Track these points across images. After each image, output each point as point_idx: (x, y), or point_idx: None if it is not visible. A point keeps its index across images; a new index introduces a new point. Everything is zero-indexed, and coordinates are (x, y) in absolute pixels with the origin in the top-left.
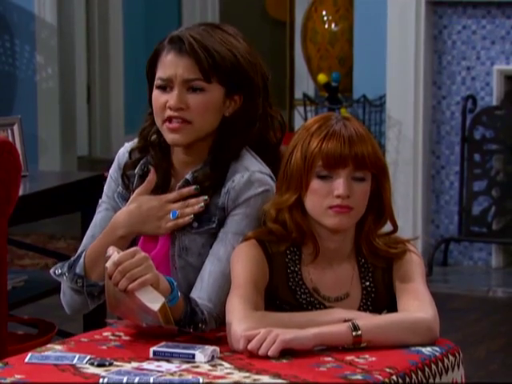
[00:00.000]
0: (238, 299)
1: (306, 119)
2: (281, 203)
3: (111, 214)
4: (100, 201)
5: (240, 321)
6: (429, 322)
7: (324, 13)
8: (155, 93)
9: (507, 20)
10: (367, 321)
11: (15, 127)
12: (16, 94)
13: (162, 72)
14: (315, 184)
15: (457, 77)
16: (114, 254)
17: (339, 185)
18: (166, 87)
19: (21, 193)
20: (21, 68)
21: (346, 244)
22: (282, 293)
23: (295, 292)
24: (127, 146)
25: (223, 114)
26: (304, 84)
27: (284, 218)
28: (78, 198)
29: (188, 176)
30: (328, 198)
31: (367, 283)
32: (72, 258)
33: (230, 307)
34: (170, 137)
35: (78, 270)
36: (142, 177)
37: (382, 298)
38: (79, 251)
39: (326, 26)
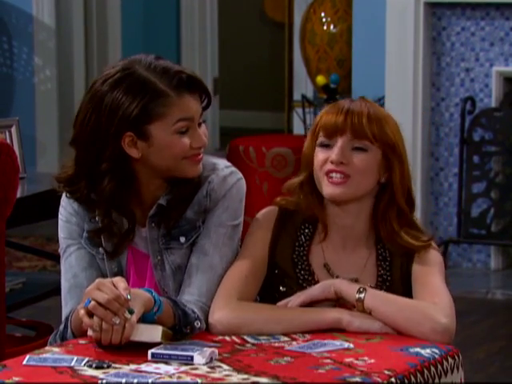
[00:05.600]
0: (228, 282)
1: (304, 121)
2: (294, 181)
3: (84, 251)
4: (63, 246)
5: (219, 307)
6: (444, 326)
7: (323, 14)
8: (177, 138)
9: (506, 21)
10: (378, 292)
11: (13, 129)
12: (14, 96)
13: (182, 114)
14: (317, 153)
15: (456, 78)
16: (89, 321)
17: (333, 150)
18: (186, 130)
19: (19, 195)
20: (19, 70)
21: (360, 223)
22: (283, 263)
23: (296, 265)
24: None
25: None
26: (303, 86)
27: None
28: None
29: (161, 201)
30: (326, 165)
31: (383, 271)
32: (60, 327)
33: (220, 287)
34: (195, 169)
35: (70, 339)
36: (102, 230)
37: (396, 288)
38: (64, 307)
39: (325, 27)
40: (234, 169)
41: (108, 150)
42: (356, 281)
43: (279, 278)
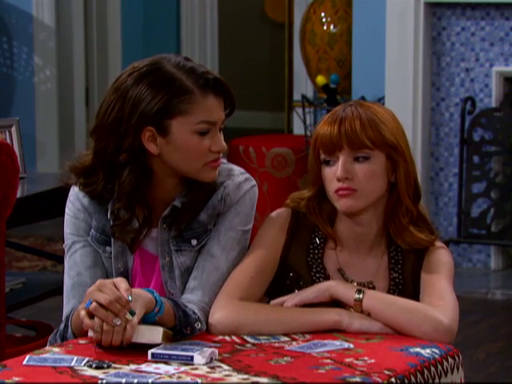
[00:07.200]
0: (232, 282)
1: (304, 121)
2: (302, 195)
3: (90, 248)
4: (68, 242)
5: (219, 307)
6: (446, 326)
7: (323, 14)
8: (196, 138)
9: (506, 21)
10: (376, 293)
11: (13, 129)
12: (14, 96)
13: (206, 116)
14: (324, 171)
15: (456, 78)
16: (90, 322)
17: (337, 168)
18: (207, 132)
19: (19, 195)
20: (19, 70)
21: (374, 227)
22: (298, 265)
23: (311, 268)
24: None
25: None
26: (303, 86)
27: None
28: None
29: (176, 202)
30: (333, 183)
31: (395, 274)
32: (61, 326)
33: (224, 287)
34: (212, 174)
35: (70, 339)
36: (115, 220)
37: (409, 291)
38: (65, 305)
39: (325, 27)
40: (248, 175)
41: (127, 140)
42: (370, 283)
43: (294, 281)
